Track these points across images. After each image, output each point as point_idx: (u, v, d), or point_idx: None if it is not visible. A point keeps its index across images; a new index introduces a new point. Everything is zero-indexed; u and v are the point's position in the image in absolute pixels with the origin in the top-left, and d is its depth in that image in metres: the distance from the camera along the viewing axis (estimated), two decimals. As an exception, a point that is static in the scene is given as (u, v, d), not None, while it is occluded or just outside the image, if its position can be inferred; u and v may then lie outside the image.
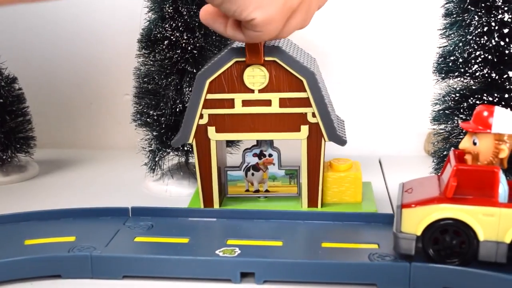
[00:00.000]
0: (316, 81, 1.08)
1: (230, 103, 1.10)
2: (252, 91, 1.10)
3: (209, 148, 1.12)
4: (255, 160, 1.18)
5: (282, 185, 1.18)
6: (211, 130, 1.12)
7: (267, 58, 1.08)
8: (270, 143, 1.17)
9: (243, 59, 1.08)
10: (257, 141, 1.17)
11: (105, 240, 1.01)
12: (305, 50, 1.20)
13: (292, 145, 1.20)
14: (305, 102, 1.09)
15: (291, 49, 1.12)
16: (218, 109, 1.11)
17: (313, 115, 1.09)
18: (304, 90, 1.08)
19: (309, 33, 1.50)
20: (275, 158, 1.18)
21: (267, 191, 1.19)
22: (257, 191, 1.19)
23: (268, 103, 1.10)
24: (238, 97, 1.10)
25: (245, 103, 1.10)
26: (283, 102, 1.10)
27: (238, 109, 1.10)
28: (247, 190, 1.19)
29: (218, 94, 1.10)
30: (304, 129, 1.10)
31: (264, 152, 1.17)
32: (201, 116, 1.11)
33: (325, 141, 1.11)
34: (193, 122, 1.11)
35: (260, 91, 1.10)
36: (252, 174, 1.18)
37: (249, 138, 1.13)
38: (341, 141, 1.11)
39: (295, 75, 1.08)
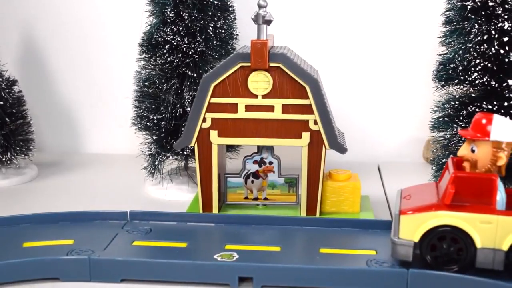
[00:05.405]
0: (319, 89, 1.08)
1: (234, 108, 1.11)
2: (256, 96, 1.10)
3: (210, 152, 1.13)
4: (255, 167, 1.18)
5: (281, 193, 1.18)
6: (213, 134, 1.12)
7: (271, 64, 1.08)
8: (270, 150, 1.17)
9: (248, 64, 1.08)
10: (258, 148, 1.17)
11: (103, 244, 1.01)
12: (306, 59, 1.20)
13: (291, 153, 1.20)
14: (307, 109, 1.09)
15: (295, 57, 1.12)
16: (221, 113, 1.11)
17: (315, 122, 1.10)
18: (307, 97, 1.09)
19: (308, 40, 1.52)
20: (275, 166, 1.18)
21: (266, 199, 1.19)
22: (256, 198, 1.19)
23: (271, 109, 1.10)
24: (242, 102, 1.10)
25: (248, 108, 1.11)
26: (285, 109, 1.10)
27: (241, 114, 1.11)
28: (246, 198, 1.19)
29: (222, 98, 1.10)
30: (306, 136, 1.11)
31: (265, 160, 1.17)
32: (204, 120, 1.11)
33: (325, 148, 1.11)
34: (196, 126, 1.12)
35: (264, 96, 1.10)
36: (252, 182, 1.18)
37: (250, 143, 1.13)
38: (342, 149, 1.11)
39: (298, 81, 1.08)
